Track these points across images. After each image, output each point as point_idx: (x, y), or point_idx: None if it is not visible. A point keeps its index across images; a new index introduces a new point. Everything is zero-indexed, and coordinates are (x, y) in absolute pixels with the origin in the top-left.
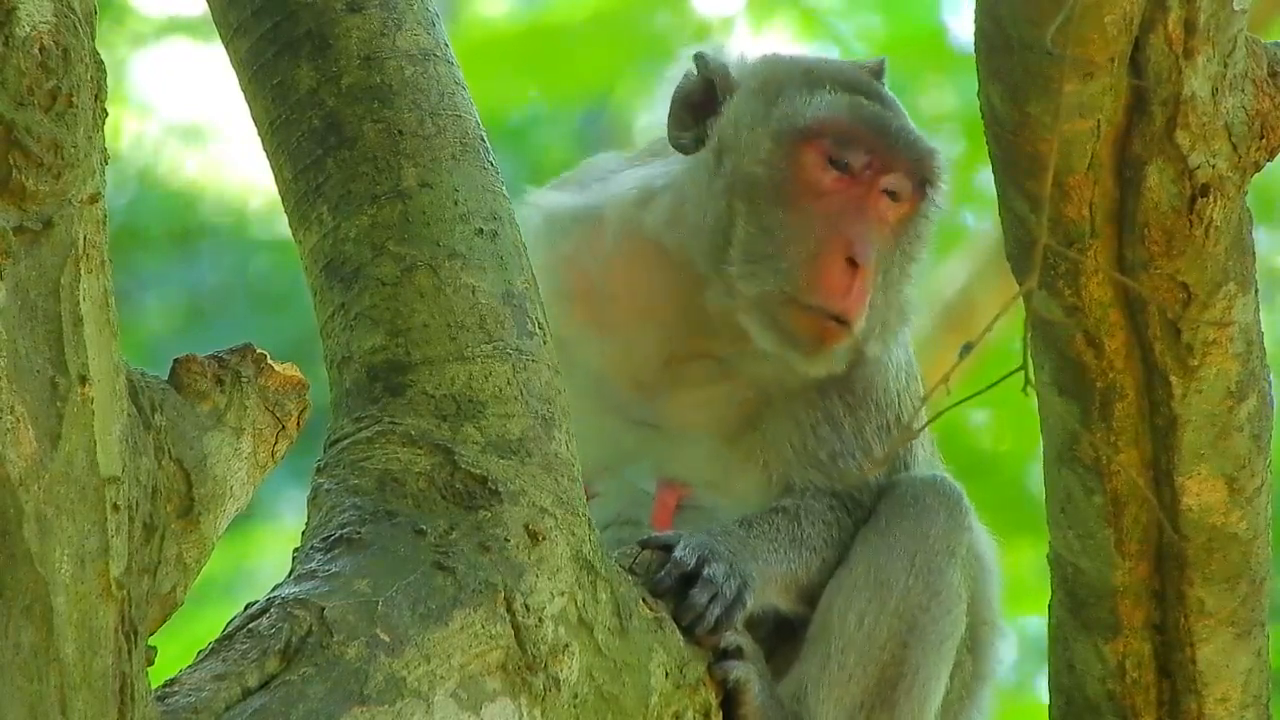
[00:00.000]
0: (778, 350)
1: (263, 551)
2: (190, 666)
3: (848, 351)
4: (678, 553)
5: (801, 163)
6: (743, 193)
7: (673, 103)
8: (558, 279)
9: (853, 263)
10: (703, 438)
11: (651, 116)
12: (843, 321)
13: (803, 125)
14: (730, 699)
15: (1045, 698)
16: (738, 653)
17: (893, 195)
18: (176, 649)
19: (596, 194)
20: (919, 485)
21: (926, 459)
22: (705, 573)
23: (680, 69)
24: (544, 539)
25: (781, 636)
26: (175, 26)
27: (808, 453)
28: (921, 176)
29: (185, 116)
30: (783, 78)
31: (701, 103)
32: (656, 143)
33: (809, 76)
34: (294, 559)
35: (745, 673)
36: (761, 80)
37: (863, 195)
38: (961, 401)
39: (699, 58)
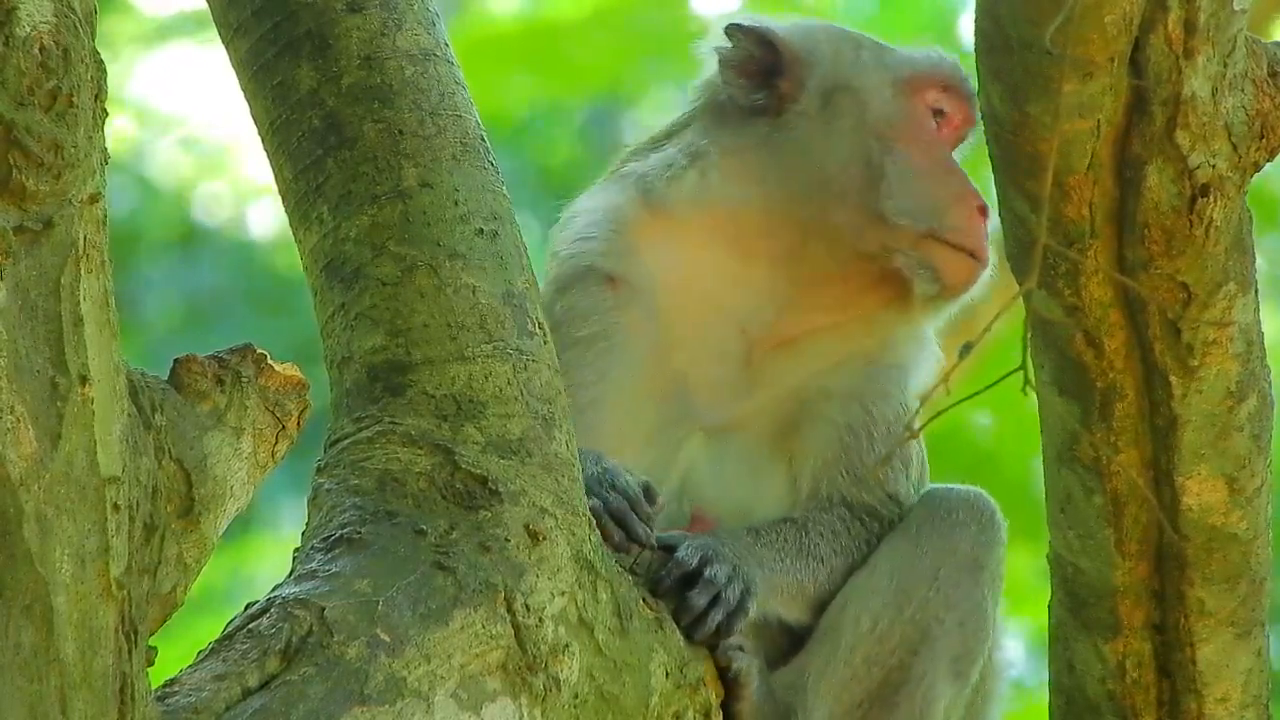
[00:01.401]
0: (928, 290)
1: (260, 559)
2: (190, 666)
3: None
4: (680, 553)
5: (918, 110)
6: (880, 133)
7: (725, 72)
8: (648, 269)
9: (982, 210)
10: (749, 449)
11: (659, 115)
12: (982, 263)
13: (914, 75)
14: (728, 691)
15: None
16: (739, 648)
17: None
18: (174, 655)
19: (642, 182)
20: (953, 498)
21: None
22: (706, 573)
23: (710, 42)
24: (544, 539)
25: (786, 641)
26: (176, 27)
27: (854, 452)
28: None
29: (186, 117)
30: (858, 37)
31: (762, 69)
32: (646, 140)
33: (872, 39)
34: (294, 559)
35: (747, 664)
36: (843, 38)
37: (950, 145)
38: (961, 401)
39: (738, 27)
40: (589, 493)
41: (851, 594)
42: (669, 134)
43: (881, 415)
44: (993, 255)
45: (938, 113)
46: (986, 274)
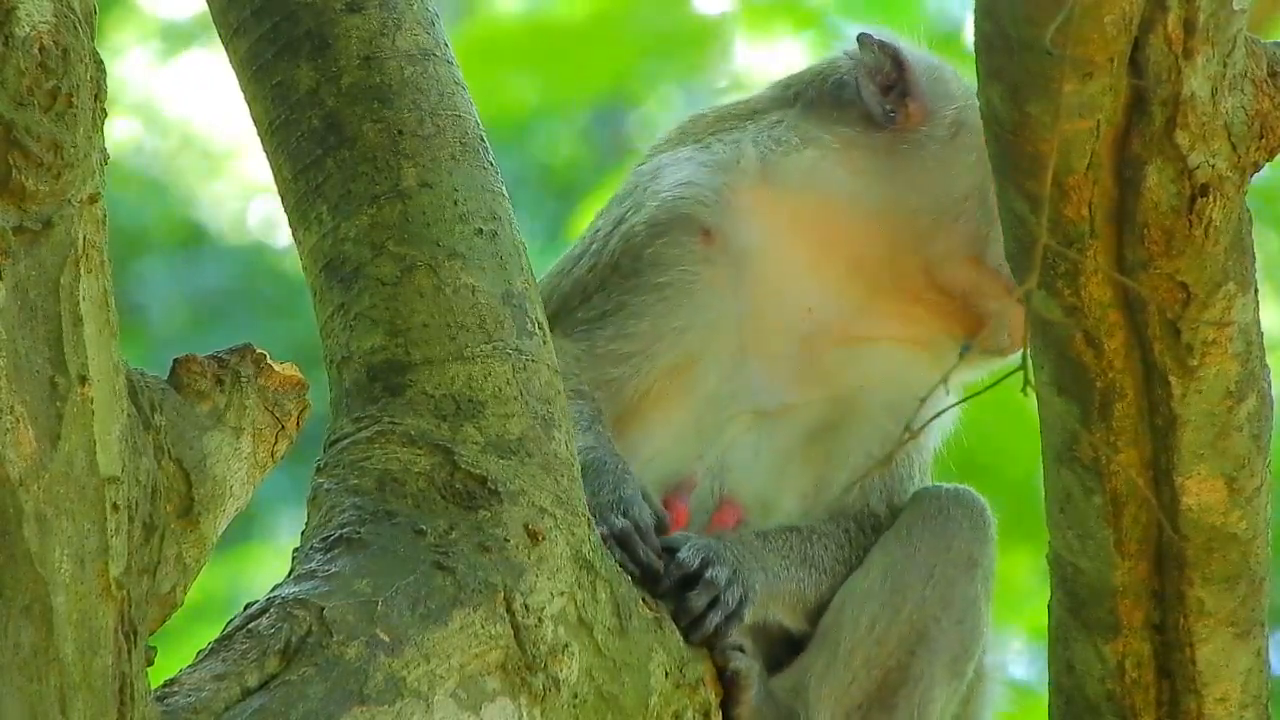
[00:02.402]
0: (998, 343)
1: (260, 567)
2: (190, 666)
3: None
4: (681, 554)
5: None
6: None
7: (863, 79)
8: (749, 229)
9: None
10: (787, 441)
11: (663, 115)
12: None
13: None
14: (727, 694)
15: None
16: (739, 648)
17: None
18: (173, 661)
19: (756, 147)
20: (943, 496)
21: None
22: (707, 574)
23: (840, 46)
24: (543, 539)
25: (784, 645)
26: (180, 30)
27: (894, 468)
28: None
29: (190, 118)
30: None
31: (887, 83)
32: (722, 113)
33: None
34: (293, 559)
35: (746, 665)
36: (956, 74)
37: None
38: (961, 401)
39: (873, 40)
40: (600, 519)
41: (848, 596)
42: (753, 112)
43: (928, 441)
44: None
45: None
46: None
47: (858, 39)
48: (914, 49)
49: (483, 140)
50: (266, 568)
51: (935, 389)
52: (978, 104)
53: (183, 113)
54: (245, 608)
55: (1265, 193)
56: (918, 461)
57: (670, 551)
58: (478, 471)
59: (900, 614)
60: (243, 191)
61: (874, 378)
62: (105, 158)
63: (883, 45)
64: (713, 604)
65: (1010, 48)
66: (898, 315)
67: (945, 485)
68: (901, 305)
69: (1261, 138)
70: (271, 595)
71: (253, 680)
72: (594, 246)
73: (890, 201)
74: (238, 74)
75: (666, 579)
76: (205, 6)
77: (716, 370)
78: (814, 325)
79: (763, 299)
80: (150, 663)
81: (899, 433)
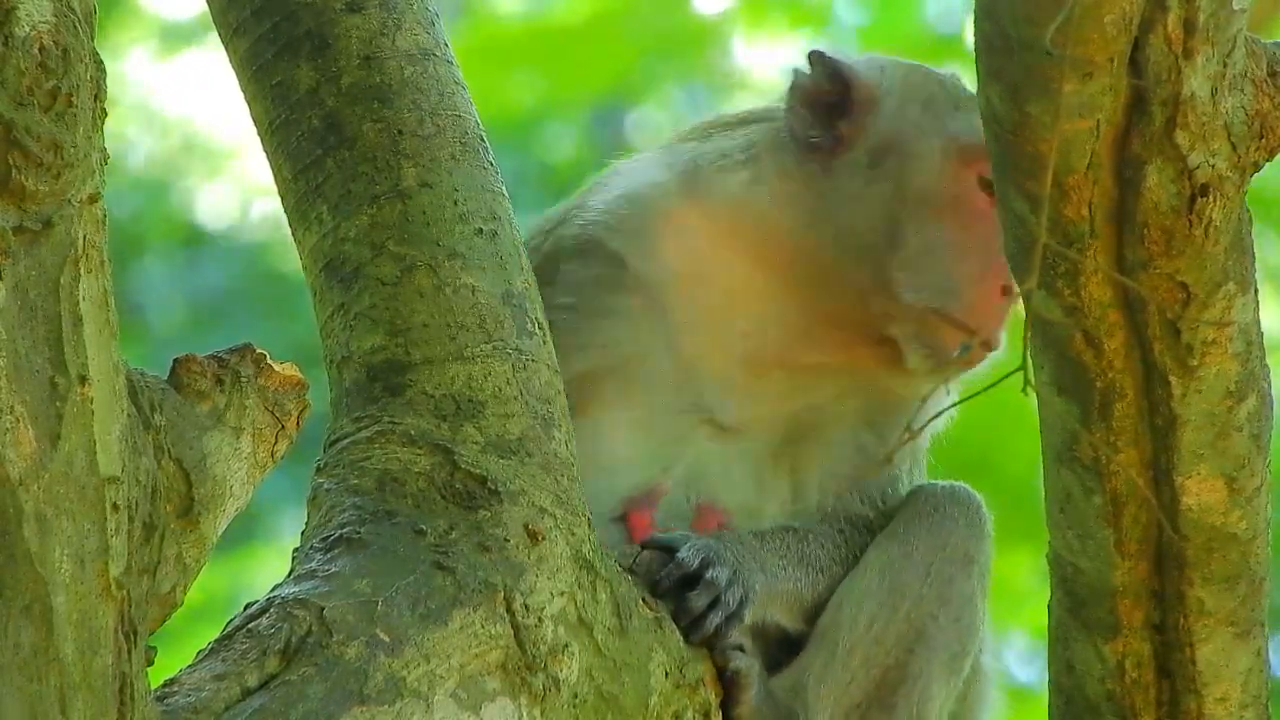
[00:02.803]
0: (921, 365)
1: (260, 569)
2: (190, 666)
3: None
4: (681, 554)
5: (965, 183)
6: (915, 203)
7: (795, 100)
8: (662, 255)
9: (1005, 290)
10: (754, 453)
11: (663, 115)
12: (989, 348)
13: (973, 145)
14: (726, 694)
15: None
16: (739, 648)
17: None
18: (173, 663)
19: (690, 165)
20: (939, 494)
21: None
22: (707, 575)
23: (790, 64)
24: (543, 539)
25: (781, 645)
26: (180, 30)
27: (864, 473)
28: None
29: (190, 118)
30: (934, 91)
31: (830, 103)
32: (714, 121)
33: (952, 95)
34: (294, 559)
35: (746, 665)
36: (915, 91)
37: (993, 219)
38: (961, 401)
39: (819, 56)
40: None
41: (846, 595)
42: (741, 121)
43: (920, 440)
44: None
45: (987, 186)
46: (994, 355)
47: (808, 56)
48: (872, 65)
49: (483, 140)
50: (267, 568)
51: (935, 389)
52: (915, 117)
53: (183, 113)
54: (245, 608)
55: (1265, 199)
56: (907, 462)
57: (670, 551)
58: (478, 471)
59: (898, 612)
60: (243, 191)
61: (822, 398)
62: (105, 158)
63: (824, 60)
64: (713, 604)
65: (1010, 48)
66: (830, 345)
67: (940, 483)
68: (833, 335)
69: (1261, 138)
70: (271, 595)
71: (253, 680)
72: (533, 242)
73: (806, 232)
74: (238, 74)
75: (666, 579)
76: (205, 6)
77: (654, 387)
78: (750, 348)
79: (692, 319)
80: (150, 663)
81: (865, 443)
